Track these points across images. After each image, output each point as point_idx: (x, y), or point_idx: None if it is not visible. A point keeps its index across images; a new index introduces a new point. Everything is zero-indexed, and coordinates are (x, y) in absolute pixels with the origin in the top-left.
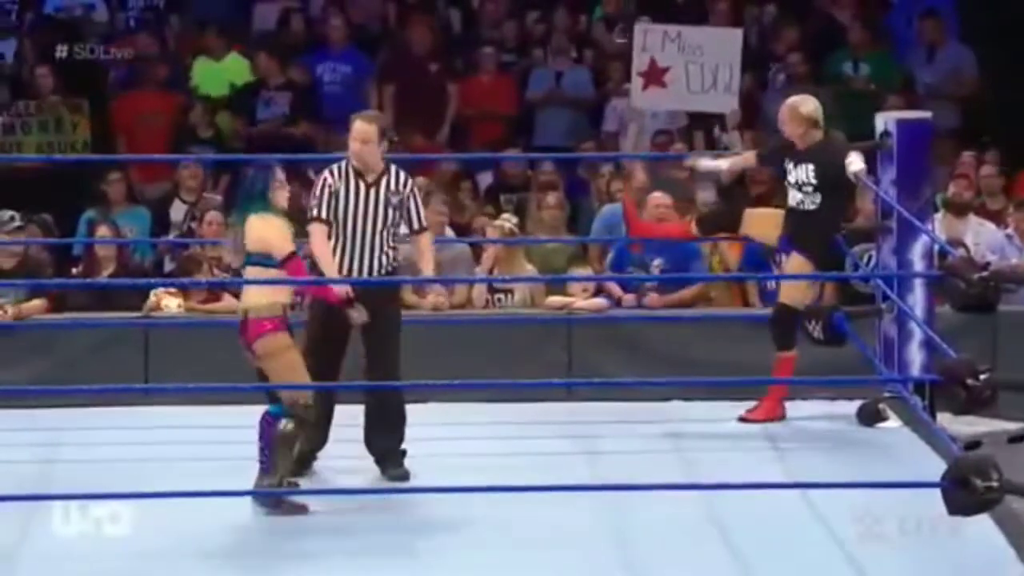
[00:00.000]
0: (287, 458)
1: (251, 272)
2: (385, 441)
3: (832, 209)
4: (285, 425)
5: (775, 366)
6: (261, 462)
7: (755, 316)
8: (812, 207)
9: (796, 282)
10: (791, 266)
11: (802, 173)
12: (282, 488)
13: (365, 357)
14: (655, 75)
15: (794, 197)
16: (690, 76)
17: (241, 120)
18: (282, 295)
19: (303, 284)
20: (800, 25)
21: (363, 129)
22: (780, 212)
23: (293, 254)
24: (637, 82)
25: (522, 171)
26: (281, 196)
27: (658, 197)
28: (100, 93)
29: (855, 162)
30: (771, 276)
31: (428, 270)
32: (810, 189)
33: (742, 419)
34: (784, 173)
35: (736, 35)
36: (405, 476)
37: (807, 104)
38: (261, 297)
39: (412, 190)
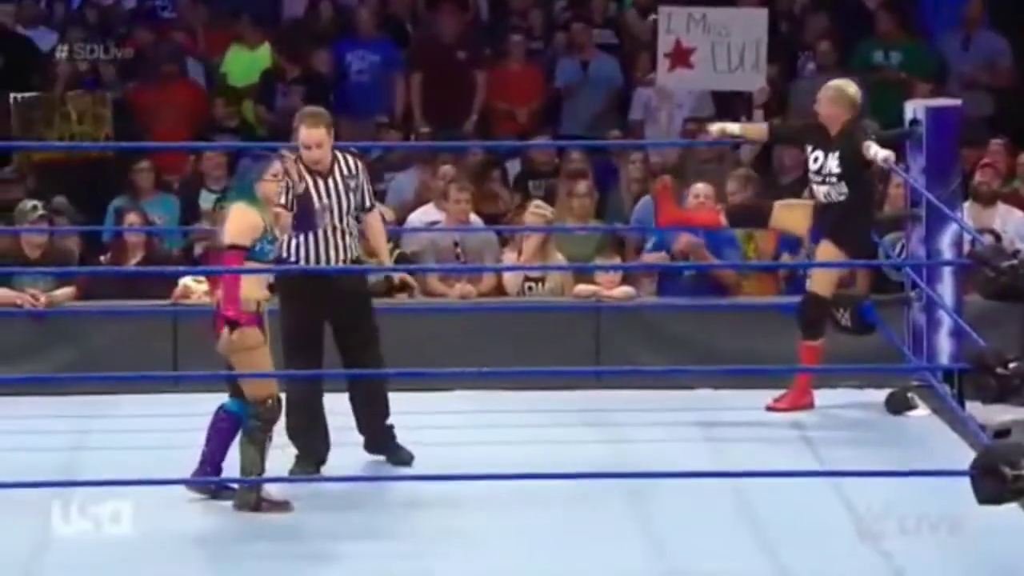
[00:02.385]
0: (257, 458)
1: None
2: (377, 427)
3: (861, 198)
4: (252, 426)
5: (801, 355)
6: (203, 453)
7: (784, 305)
8: (841, 198)
9: (826, 271)
10: (822, 255)
11: (831, 162)
12: (256, 493)
13: (344, 354)
14: (681, 56)
15: (821, 191)
16: (716, 56)
17: (263, 108)
18: (256, 290)
19: (339, 272)
20: (830, 13)
21: (316, 136)
22: (810, 204)
23: (236, 247)
24: (663, 63)
25: (550, 159)
26: (268, 188)
27: (700, 188)
28: (123, 84)
29: (875, 149)
30: (801, 265)
31: (383, 249)
32: (835, 179)
33: (769, 408)
34: (807, 161)
35: (761, 14)
36: (409, 459)
37: (852, 87)
38: None
39: (364, 170)
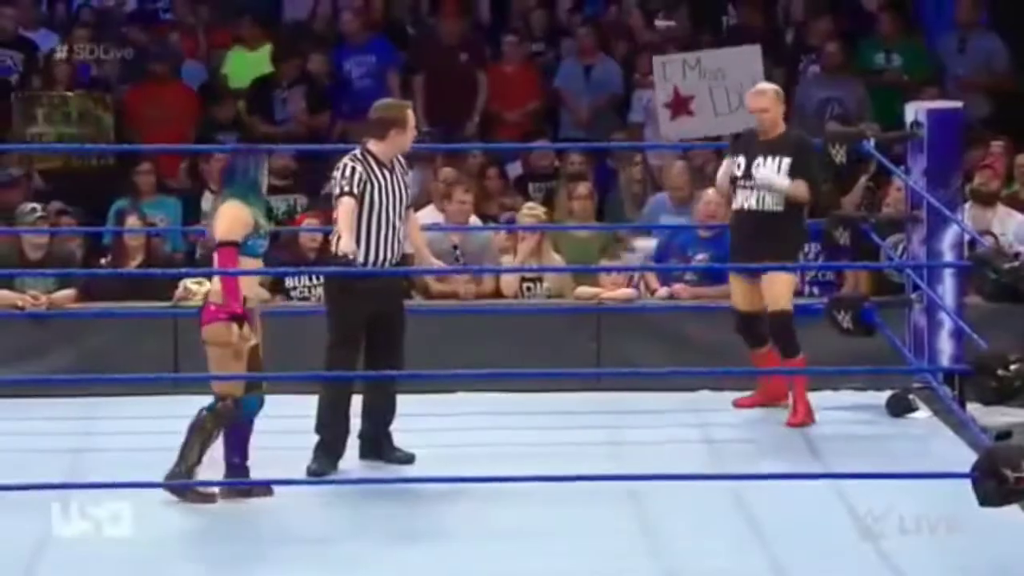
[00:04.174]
0: (197, 450)
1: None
2: (381, 428)
3: (799, 210)
4: (204, 417)
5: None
6: (224, 459)
7: None
8: (778, 208)
9: (786, 284)
10: (779, 280)
11: (773, 166)
12: (188, 477)
13: (371, 349)
14: (681, 104)
15: (753, 196)
16: (715, 100)
17: (259, 117)
18: (247, 288)
19: (353, 274)
20: (832, 15)
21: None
22: None
23: (230, 244)
24: (664, 113)
25: (551, 161)
26: (264, 183)
27: (711, 194)
28: (123, 85)
29: (801, 188)
30: (808, 266)
31: (426, 248)
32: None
33: (788, 425)
34: (739, 169)
35: (755, 52)
36: (410, 458)
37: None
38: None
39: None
